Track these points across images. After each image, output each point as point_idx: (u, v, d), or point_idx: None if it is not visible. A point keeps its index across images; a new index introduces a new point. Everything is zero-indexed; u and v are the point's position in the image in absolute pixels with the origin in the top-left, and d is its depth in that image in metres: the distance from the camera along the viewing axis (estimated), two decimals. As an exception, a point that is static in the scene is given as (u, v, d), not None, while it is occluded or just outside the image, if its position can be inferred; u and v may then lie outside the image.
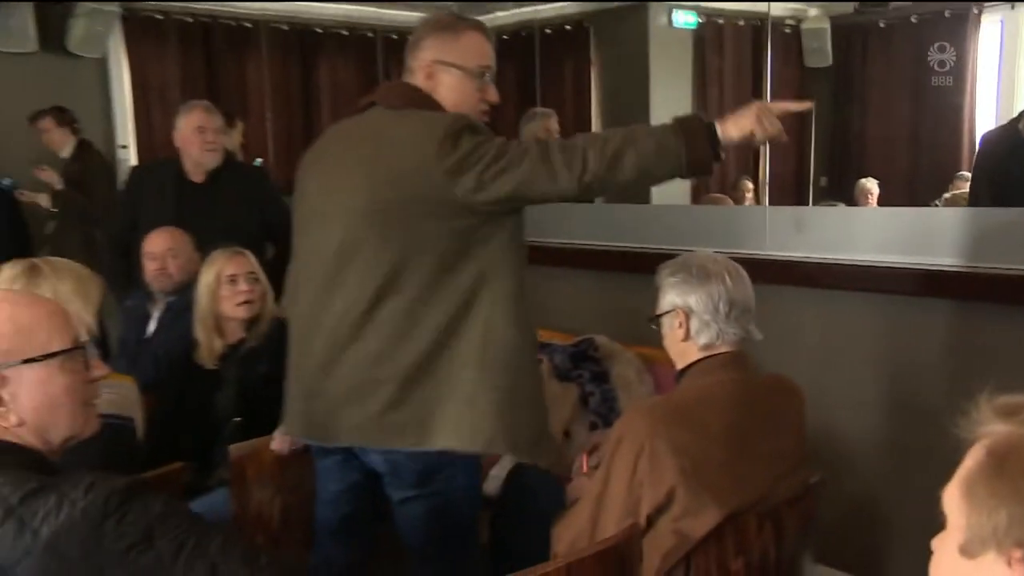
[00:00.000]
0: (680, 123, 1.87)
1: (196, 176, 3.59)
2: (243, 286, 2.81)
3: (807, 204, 5.57)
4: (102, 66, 6.21)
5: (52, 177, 5.29)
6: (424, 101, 2.00)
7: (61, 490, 1.11)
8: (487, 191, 1.87)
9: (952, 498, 0.94)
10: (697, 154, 1.85)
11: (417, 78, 2.03)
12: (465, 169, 1.86)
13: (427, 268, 1.91)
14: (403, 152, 1.91)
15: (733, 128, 1.87)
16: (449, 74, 2.02)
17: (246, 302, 2.80)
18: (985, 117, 5.21)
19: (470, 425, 1.92)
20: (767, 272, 2.77)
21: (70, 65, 6.00)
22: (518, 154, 1.87)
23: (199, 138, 3.53)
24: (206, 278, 2.83)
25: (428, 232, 1.90)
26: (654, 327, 2.02)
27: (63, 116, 5.37)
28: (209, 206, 3.57)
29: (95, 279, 2.19)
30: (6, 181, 5.25)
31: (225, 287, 2.81)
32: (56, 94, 5.73)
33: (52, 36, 5.91)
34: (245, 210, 3.62)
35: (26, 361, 1.19)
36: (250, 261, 2.86)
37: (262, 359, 2.78)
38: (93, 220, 5.15)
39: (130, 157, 6.26)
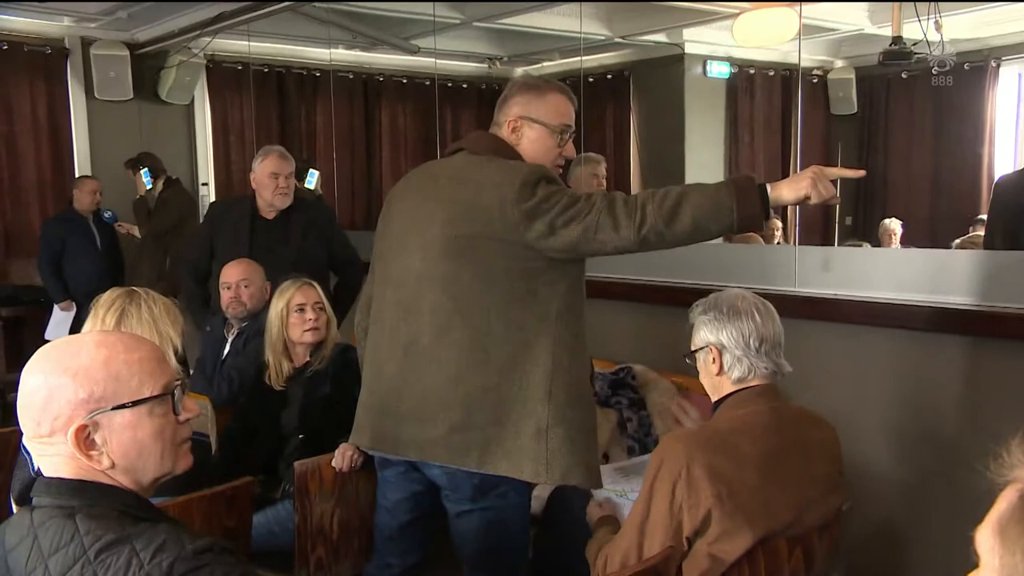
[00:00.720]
0: (733, 182, 1.87)
1: (268, 214, 3.66)
2: (310, 314, 2.84)
3: (833, 242, 5.50)
4: (188, 112, 6.38)
5: (132, 230, 5.55)
6: (505, 150, 2.05)
7: (133, 547, 1.08)
8: (556, 236, 1.89)
9: (985, 539, 0.91)
10: (748, 211, 1.84)
11: (503, 131, 2.09)
12: (539, 214, 1.89)
13: (496, 303, 1.93)
14: (483, 192, 1.94)
15: (788, 190, 1.86)
16: (532, 129, 2.07)
17: (313, 329, 2.83)
18: (1003, 164, 5.11)
19: (542, 458, 1.92)
20: (796, 308, 2.73)
21: (161, 111, 6.18)
22: (587, 205, 1.88)
23: (273, 183, 3.58)
24: (277, 306, 2.86)
25: (499, 269, 1.92)
26: (689, 362, 2.00)
27: (137, 164, 5.54)
28: (279, 240, 3.62)
29: (176, 304, 2.24)
30: (108, 213, 5.43)
31: (294, 315, 2.84)
32: (148, 137, 5.91)
33: (146, 85, 6.10)
34: (312, 244, 3.67)
35: (116, 408, 1.17)
36: (317, 291, 2.89)
37: (325, 382, 2.80)
38: (166, 252, 5.28)
39: (210, 193, 6.40)
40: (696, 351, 1.97)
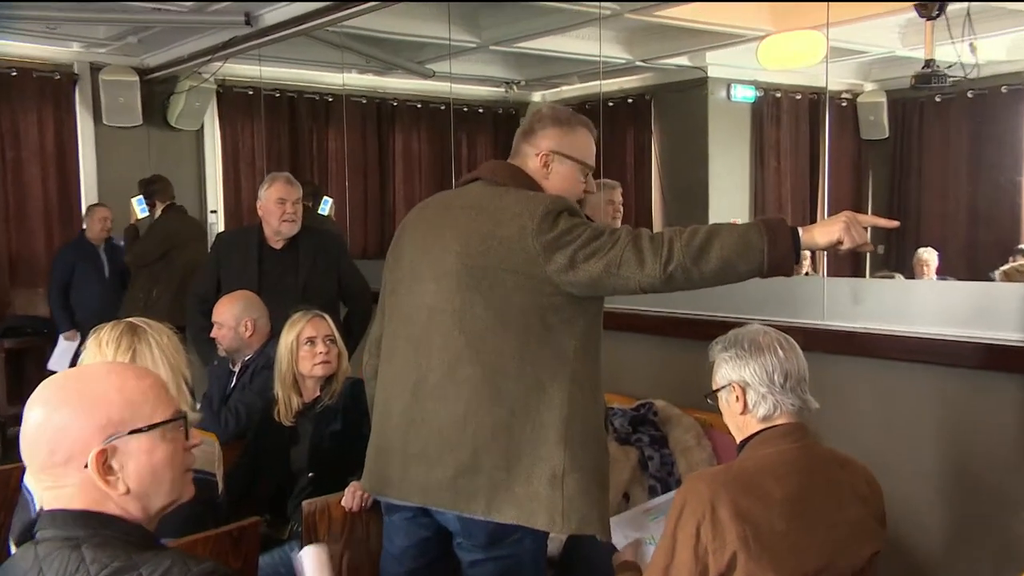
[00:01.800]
0: (764, 223, 1.87)
1: (276, 243, 3.68)
2: (321, 347, 2.85)
3: (864, 273, 5.46)
4: (198, 138, 6.47)
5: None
6: (526, 181, 2.07)
7: (140, 574, 1.11)
8: (578, 270, 1.89)
9: None
10: (778, 253, 1.83)
11: (530, 162, 2.10)
12: (560, 247, 1.89)
13: (511, 339, 1.92)
14: (501, 222, 1.95)
15: (820, 235, 1.87)
16: (563, 165, 2.10)
17: (324, 362, 2.84)
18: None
19: (558, 506, 1.90)
20: (824, 342, 2.71)
21: (170, 137, 6.27)
22: (611, 239, 1.89)
23: (279, 209, 3.61)
24: (287, 339, 2.88)
25: (515, 304, 1.92)
26: (711, 402, 1.99)
27: (143, 187, 5.55)
28: (288, 270, 3.65)
29: (176, 333, 2.26)
30: (117, 239, 5.49)
31: (304, 348, 2.85)
32: (156, 164, 5.98)
33: (155, 111, 6.19)
34: (321, 274, 3.69)
35: (133, 432, 1.21)
36: (327, 324, 2.91)
37: (335, 417, 2.80)
38: (155, 281, 5.30)
39: (219, 221, 6.46)
40: (718, 390, 1.96)
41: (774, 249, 1.83)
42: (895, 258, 5.53)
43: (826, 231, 1.86)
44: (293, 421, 2.85)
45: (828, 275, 3.49)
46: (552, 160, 2.10)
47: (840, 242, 1.86)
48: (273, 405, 2.88)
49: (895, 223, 2.04)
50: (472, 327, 1.94)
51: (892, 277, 4.61)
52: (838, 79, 6.13)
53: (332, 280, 3.74)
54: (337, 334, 2.92)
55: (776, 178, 6.51)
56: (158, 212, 5.48)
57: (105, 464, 1.20)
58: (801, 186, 6.51)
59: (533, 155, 2.10)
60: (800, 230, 1.86)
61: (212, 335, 3.29)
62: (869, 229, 1.91)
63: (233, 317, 3.24)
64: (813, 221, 5.34)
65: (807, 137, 6.55)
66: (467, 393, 1.93)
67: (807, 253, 5.45)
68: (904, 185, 6.18)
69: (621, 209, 4.55)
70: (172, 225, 5.43)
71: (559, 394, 1.93)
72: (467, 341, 1.94)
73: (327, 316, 2.94)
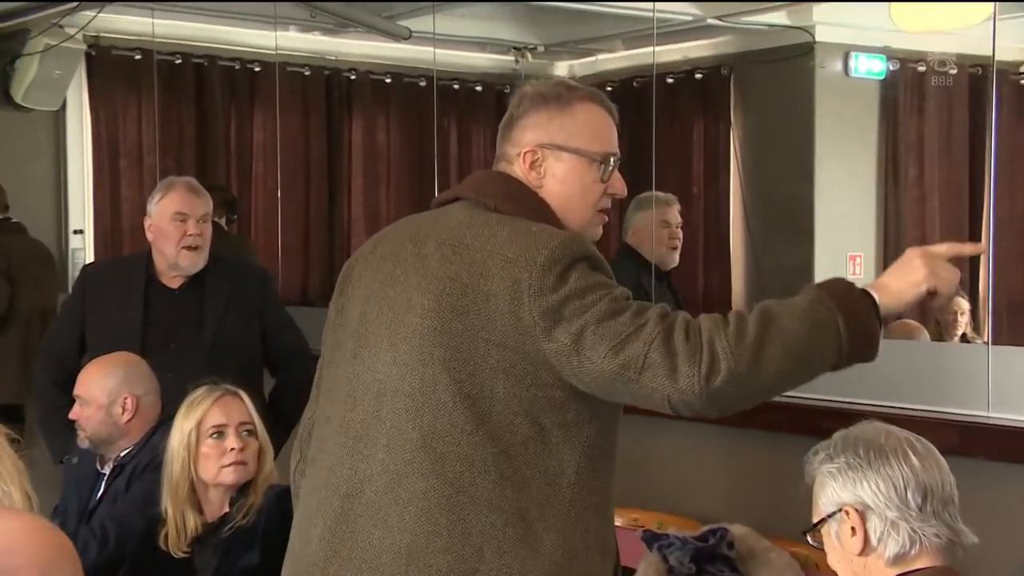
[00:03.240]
0: (823, 289, 1.90)
1: (172, 280, 3.71)
2: (233, 442, 2.86)
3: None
4: (57, 121, 6.49)
5: None
6: (528, 199, 2.08)
7: None
8: (584, 362, 1.88)
9: None
10: (861, 329, 1.86)
11: (516, 166, 2.12)
12: (564, 319, 1.89)
13: (486, 445, 1.92)
14: (488, 271, 1.95)
15: (900, 286, 1.91)
16: (560, 160, 2.11)
17: (236, 463, 2.86)
18: None
19: None
20: (989, 444, 2.73)
21: (15, 121, 6.30)
22: (634, 321, 1.87)
23: (178, 230, 3.64)
24: (182, 428, 2.90)
25: (495, 397, 1.93)
26: (813, 542, 1.99)
27: None
28: (188, 321, 3.68)
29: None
30: None
31: (208, 442, 2.87)
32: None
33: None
34: (237, 326, 3.73)
35: None
36: (244, 407, 2.93)
37: (252, 545, 2.80)
38: None
39: (86, 247, 6.48)
40: (823, 521, 1.96)
41: (855, 325, 1.86)
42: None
43: (906, 279, 1.91)
44: (187, 551, 2.84)
45: (994, 342, 3.47)
46: (543, 157, 2.10)
47: (932, 291, 1.90)
48: (159, 526, 2.87)
49: (980, 247, 2.07)
50: (432, 422, 1.94)
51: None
52: (1012, 44, 6.12)
53: (253, 335, 3.77)
54: (258, 421, 2.94)
55: (918, 193, 6.50)
56: None
57: None
58: (956, 205, 6.50)
59: (515, 156, 2.11)
60: (869, 288, 1.90)
61: (72, 416, 3.29)
62: (964, 263, 1.94)
63: (104, 392, 3.25)
64: (975, 260, 5.33)
65: (966, 129, 6.54)
66: (414, 517, 1.93)
67: (963, 306, 5.44)
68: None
69: (680, 235, 4.57)
70: (6, 252, 5.45)
71: (549, 535, 1.93)
72: (423, 441, 1.94)
73: (243, 394, 2.95)
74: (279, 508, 2.77)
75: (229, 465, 2.85)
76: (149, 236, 3.72)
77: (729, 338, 1.84)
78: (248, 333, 3.76)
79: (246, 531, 2.82)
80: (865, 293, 1.90)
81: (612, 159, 2.13)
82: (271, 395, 3.84)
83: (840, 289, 1.90)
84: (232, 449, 2.85)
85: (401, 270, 2.06)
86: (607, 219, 2.18)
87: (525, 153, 2.10)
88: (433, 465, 1.93)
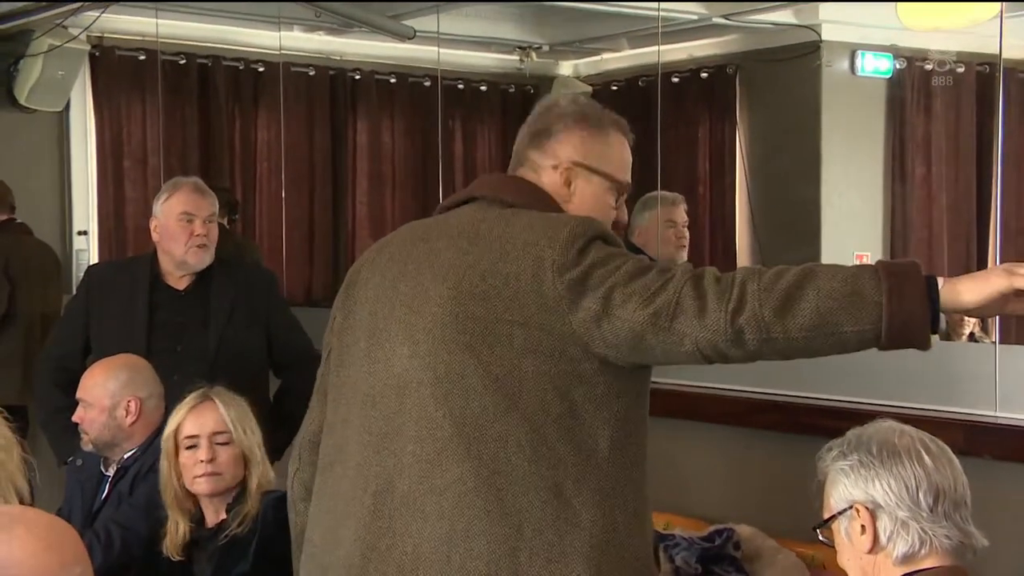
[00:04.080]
0: (885, 267, 1.85)
1: (177, 281, 3.72)
2: (203, 453, 2.86)
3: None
4: (61, 122, 6.49)
5: None
6: (546, 202, 2.12)
7: None
8: (613, 320, 1.90)
9: None
10: (904, 309, 1.80)
11: (546, 177, 2.16)
12: (590, 287, 1.92)
13: (519, 425, 1.94)
14: (507, 254, 1.98)
15: (970, 289, 1.84)
16: (590, 182, 2.18)
17: (208, 474, 2.86)
18: None
19: None
20: (998, 444, 2.71)
21: (18, 122, 6.29)
22: (659, 277, 1.90)
23: (184, 230, 3.65)
24: (164, 438, 2.93)
25: (524, 377, 1.94)
26: (824, 539, 1.99)
27: None
28: (194, 323, 3.68)
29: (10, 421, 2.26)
30: None
31: (184, 453, 2.89)
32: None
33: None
34: (244, 330, 3.73)
35: None
36: (217, 413, 2.92)
37: (244, 554, 2.80)
38: None
39: (90, 248, 6.48)
40: (833, 517, 1.96)
41: (897, 304, 1.80)
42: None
43: (979, 285, 1.84)
44: (182, 557, 2.87)
45: (1002, 342, 3.46)
46: (577, 175, 2.15)
47: (1005, 300, 1.84)
48: (162, 530, 2.90)
49: None
50: (463, 406, 1.95)
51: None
52: (1019, 42, 6.10)
53: (259, 338, 3.77)
54: (233, 427, 2.93)
55: (925, 193, 6.49)
56: None
57: None
58: (964, 204, 6.49)
59: (549, 167, 2.16)
60: (940, 280, 1.85)
61: (75, 419, 3.29)
62: None
63: (108, 395, 3.25)
64: (982, 260, 5.30)
65: (972, 130, 6.53)
66: (453, 504, 1.94)
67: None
68: None
69: (686, 234, 4.56)
70: (9, 253, 5.47)
71: (588, 509, 1.94)
72: (454, 428, 1.95)
73: (219, 399, 2.95)
74: (275, 515, 2.76)
75: (200, 476, 2.86)
76: (155, 236, 3.73)
77: (763, 282, 1.86)
78: (253, 335, 3.76)
79: (240, 540, 2.83)
80: (927, 277, 1.84)
81: (625, 188, 2.21)
82: (276, 397, 3.85)
83: (900, 265, 1.86)
84: (201, 461, 2.86)
85: (413, 266, 2.09)
86: None
87: (562, 168, 2.15)
88: (468, 450, 1.95)
